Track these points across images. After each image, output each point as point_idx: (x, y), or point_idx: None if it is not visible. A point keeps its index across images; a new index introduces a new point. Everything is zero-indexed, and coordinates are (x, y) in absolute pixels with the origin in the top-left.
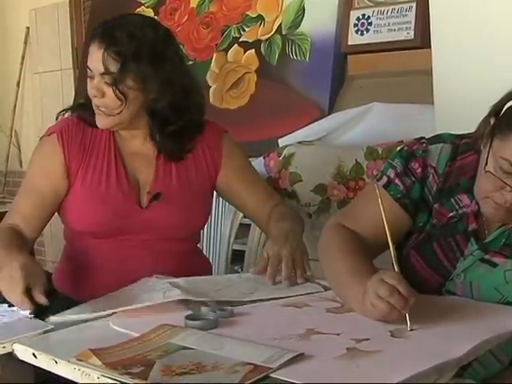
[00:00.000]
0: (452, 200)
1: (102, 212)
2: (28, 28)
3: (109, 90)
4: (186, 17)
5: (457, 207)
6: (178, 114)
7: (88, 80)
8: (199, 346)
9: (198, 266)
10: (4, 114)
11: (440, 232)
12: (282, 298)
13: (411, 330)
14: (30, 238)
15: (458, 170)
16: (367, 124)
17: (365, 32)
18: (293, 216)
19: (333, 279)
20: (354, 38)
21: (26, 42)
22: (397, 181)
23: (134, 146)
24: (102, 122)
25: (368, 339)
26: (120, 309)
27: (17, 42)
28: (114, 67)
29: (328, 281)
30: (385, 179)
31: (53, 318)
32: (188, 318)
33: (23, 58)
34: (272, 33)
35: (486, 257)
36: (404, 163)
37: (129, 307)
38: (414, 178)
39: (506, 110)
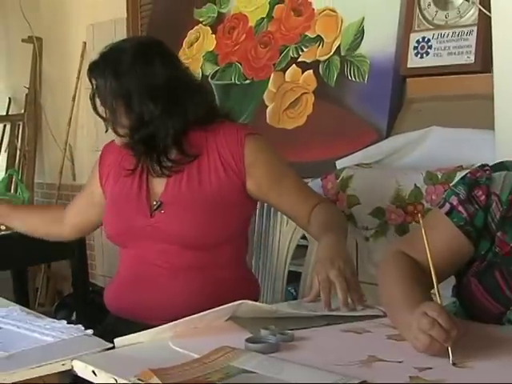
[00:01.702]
0: None
1: (116, 219)
2: (85, 43)
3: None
4: (244, 36)
5: None
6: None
7: None
8: (260, 369)
9: (239, 279)
10: (59, 128)
11: (502, 261)
12: (347, 316)
13: (453, 364)
14: (67, 218)
15: None
16: (426, 148)
17: (425, 55)
18: (335, 221)
19: (387, 306)
20: (413, 61)
21: (82, 57)
22: (460, 208)
23: None
24: (115, 139)
25: (431, 368)
26: (181, 320)
27: (74, 57)
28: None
29: (383, 307)
30: (447, 206)
31: (116, 340)
32: (248, 340)
33: (79, 72)
34: (331, 54)
35: None
36: (467, 190)
37: (192, 316)
38: (477, 206)
39: None
